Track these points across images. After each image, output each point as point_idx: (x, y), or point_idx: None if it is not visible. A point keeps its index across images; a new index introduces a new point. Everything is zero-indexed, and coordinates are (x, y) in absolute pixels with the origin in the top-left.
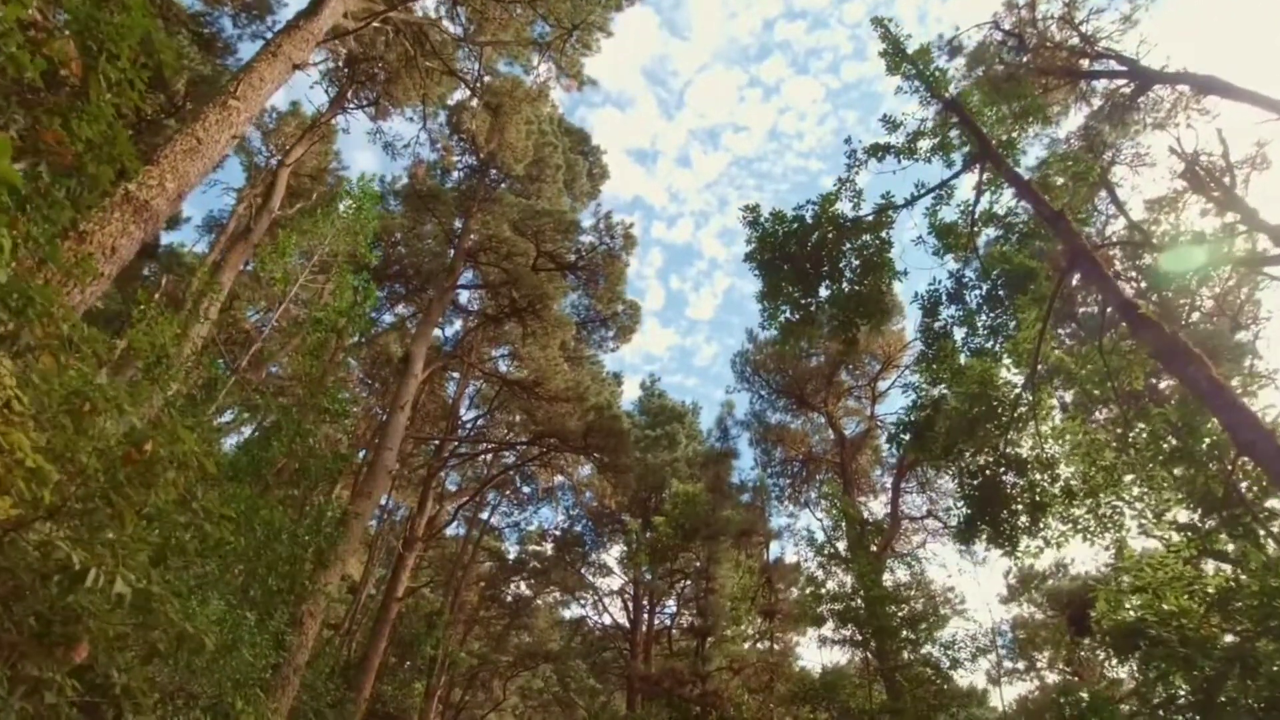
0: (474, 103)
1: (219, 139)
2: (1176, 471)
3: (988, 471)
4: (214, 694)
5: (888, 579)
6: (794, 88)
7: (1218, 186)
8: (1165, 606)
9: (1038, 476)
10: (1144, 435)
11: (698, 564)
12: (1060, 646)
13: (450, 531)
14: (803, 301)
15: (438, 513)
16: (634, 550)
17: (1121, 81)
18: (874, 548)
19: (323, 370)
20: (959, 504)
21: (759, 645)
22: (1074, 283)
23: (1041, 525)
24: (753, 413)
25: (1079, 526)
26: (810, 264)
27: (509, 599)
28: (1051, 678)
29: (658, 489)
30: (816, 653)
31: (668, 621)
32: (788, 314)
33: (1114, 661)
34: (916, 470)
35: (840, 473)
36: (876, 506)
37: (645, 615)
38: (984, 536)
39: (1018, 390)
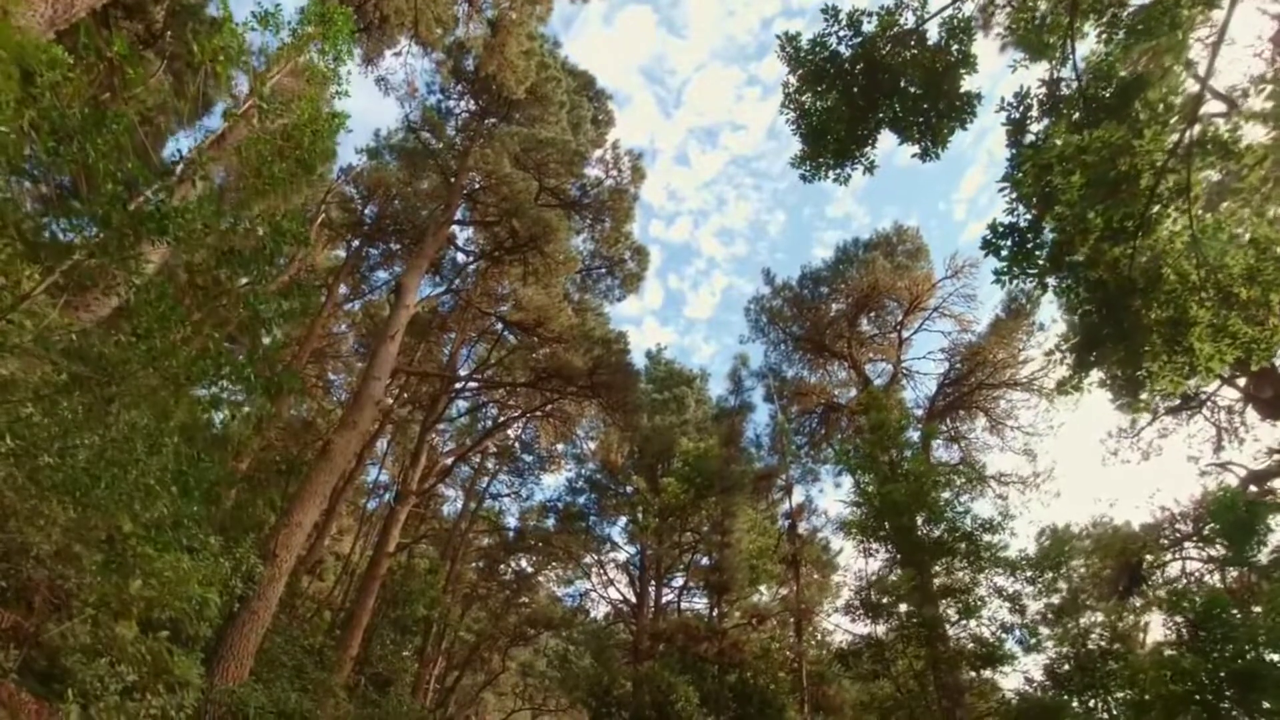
0: (471, 24)
1: None
2: None
3: (1109, 288)
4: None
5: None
6: None
7: None
8: None
9: (1179, 289)
10: None
11: (709, 524)
12: (1128, 576)
13: (448, 510)
14: (856, 129)
15: (431, 469)
16: (642, 516)
17: None
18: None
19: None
20: (1064, 345)
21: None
22: None
23: (1181, 350)
24: (768, 366)
25: (1239, 340)
26: (863, 90)
27: (508, 576)
28: (1089, 645)
29: (666, 454)
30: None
31: (674, 597)
32: (831, 165)
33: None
34: (946, 420)
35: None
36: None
37: (651, 589)
38: (1100, 373)
39: (1161, 164)
